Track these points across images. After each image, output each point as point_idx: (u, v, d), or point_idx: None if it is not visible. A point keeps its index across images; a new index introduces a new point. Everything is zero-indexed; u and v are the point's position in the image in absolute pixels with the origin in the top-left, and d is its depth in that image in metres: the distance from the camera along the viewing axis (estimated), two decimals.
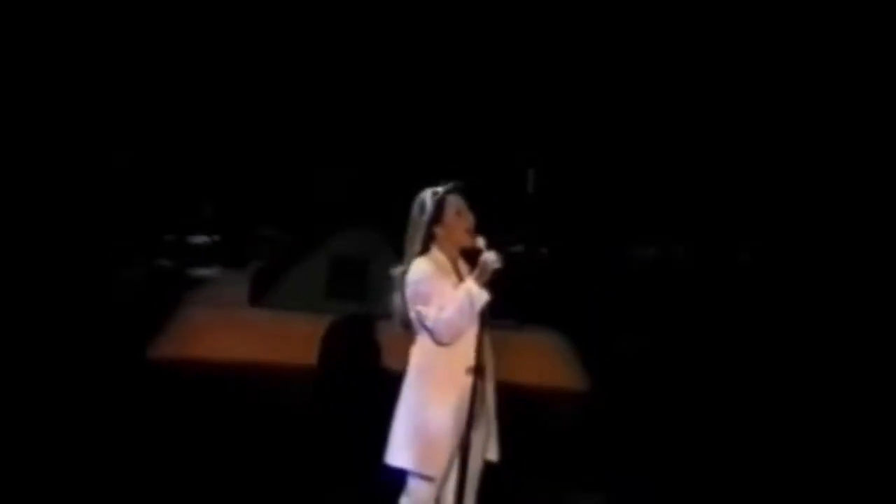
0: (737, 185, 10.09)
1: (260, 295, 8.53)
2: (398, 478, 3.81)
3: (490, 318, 3.79)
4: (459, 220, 3.85)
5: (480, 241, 3.86)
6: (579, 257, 9.97)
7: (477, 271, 3.75)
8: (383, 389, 4.08)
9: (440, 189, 3.87)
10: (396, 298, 3.84)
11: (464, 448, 3.70)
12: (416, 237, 3.83)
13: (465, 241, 3.86)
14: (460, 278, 3.84)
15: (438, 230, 3.84)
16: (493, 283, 3.74)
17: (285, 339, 7.90)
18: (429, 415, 3.70)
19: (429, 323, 3.71)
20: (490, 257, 3.73)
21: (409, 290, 3.76)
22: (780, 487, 6.24)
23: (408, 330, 3.86)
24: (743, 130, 10.01)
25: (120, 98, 9.99)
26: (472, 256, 3.86)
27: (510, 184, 10.09)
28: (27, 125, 9.37)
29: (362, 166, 10.15)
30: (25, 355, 7.56)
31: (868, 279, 9.29)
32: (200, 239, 10.38)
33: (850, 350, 8.83)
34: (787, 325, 9.20)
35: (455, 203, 3.86)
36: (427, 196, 3.86)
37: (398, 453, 3.74)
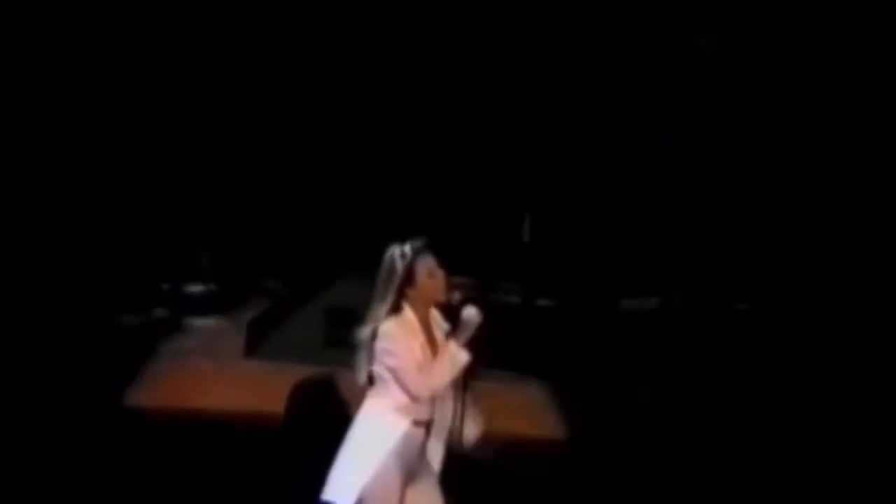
0: (735, 235, 10.11)
1: (256, 346, 8.53)
2: None
3: (483, 370, 3.75)
4: (431, 280, 3.74)
5: (456, 296, 3.77)
6: (577, 308, 9.95)
7: (458, 331, 3.65)
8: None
9: (408, 249, 3.74)
10: (362, 357, 3.72)
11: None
12: (387, 297, 3.71)
13: (439, 299, 3.78)
14: (429, 335, 3.76)
15: (410, 292, 3.73)
16: (475, 338, 3.61)
17: (281, 390, 7.87)
18: (372, 458, 3.62)
19: (408, 382, 3.61)
20: (469, 314, 3.63)
21: (379, 349, 3.65)
22: None
23: (370, 384, 3.75)
24: (742, 180, 10.06)
25: (118, 148, 10.04)
26: (450, 311, 3.74)
27: (505, 233, 10.08)
28: (22, 172, 9.40)
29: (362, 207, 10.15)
30: (13, 404, 7.53)
31: (867, 328, 9.27)
32: (197, 288, 10.34)
33: (853, 401, 8.79)
34: (787, 376, 9.16)
35: (426, 263, 3.74)
36: (396, 256, 3.73)
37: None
